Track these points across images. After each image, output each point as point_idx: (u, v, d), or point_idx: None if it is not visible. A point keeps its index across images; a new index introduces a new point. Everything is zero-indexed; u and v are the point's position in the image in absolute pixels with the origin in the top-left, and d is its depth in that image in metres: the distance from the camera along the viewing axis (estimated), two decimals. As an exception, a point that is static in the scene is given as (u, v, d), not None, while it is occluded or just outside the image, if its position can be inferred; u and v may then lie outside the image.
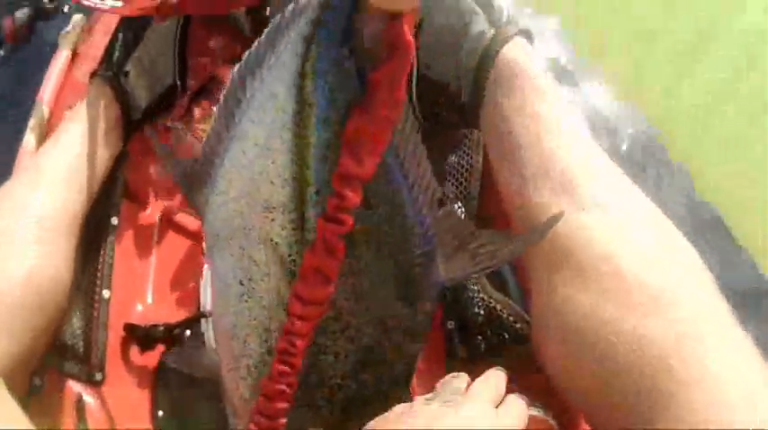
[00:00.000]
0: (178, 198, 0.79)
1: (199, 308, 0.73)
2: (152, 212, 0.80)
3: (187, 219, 0.79)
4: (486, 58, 0.66)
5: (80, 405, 0.75)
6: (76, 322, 0.77)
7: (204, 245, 0.58)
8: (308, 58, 0.48)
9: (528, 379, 0.58)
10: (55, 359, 0.75)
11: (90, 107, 0.76)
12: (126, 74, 0.77)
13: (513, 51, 0.66)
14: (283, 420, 0.50)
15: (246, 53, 0.50)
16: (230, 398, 0.56)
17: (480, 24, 0.68)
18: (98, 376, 0.76)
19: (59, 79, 0.91)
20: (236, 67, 0.50)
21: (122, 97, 0.77)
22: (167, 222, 0.79)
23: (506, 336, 0.67)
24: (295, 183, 0.48)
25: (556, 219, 0.55)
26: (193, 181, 0.54)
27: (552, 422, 0.57)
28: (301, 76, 0.48)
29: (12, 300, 0.65)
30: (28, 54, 1.13)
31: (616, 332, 0.50)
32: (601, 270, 0.54)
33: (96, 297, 0.78)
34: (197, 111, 0.80)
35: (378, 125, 0.46)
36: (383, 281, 0.51)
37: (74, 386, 0.76)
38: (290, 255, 0.49)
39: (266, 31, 0.49)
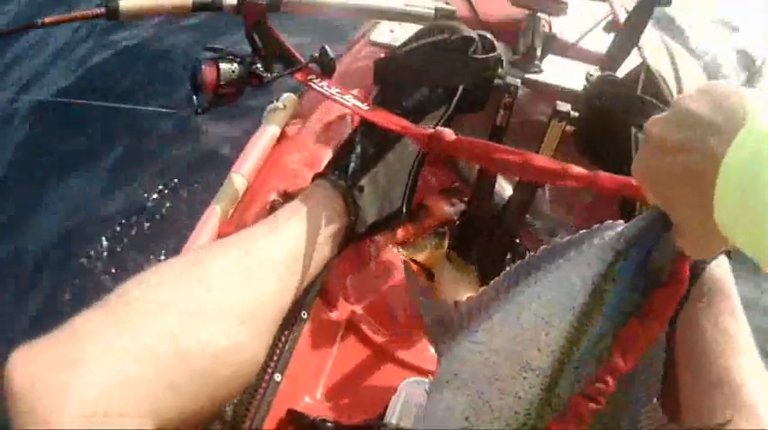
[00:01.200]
0: (364, 308, 0.83)
1: (379, 418, 0.76)
2: (340, 315, 0.83)
3: (370, 330, 0.83)
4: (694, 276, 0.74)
5: None
6: (238, 397, 0.80)
7: (435, 377, 0.59)
8: (613, 266, 0.55)
9: None
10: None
11: (317, 208, 0.77)
12: (361, 189, 0.79)
13: (719, 271, 0.74)
14: None
15: (552, 243, 0.57)
16: None
17: None
18: None
19: (262, 156, 0.93)
20: (542, 248, 0.56)
21: (354, 211, 0.78)
22: (352, 329, 0.83)
23: None
24: (561, 356, 0.54)
25: (722, 426, 0.62)
26: (442, 321, 0.59)
27: None
28: (603, 278, 0.54)
29: (201, 367, 0.64)
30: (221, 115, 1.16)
31: None
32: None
33: (267, 377, 0.80)
34: (399, 232, 0.84)
35: (647, 333, 0.53)
36: None
37: None
38: (528, 411, 0.54)
39: (578, 234, 0.56)
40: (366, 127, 0.82)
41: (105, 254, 1.76)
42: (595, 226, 0.55)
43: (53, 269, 1.77)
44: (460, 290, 0.80)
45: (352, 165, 0.80)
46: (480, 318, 0.57)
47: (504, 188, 0.88)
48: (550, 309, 0.54)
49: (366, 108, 0.81)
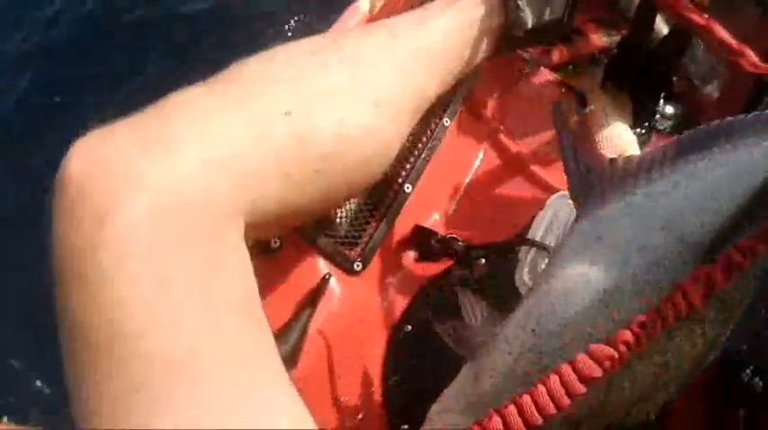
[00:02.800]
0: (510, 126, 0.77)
1: (518, 238, 0.70)
2: (484, 129, 0.76)
3: (515, 147, 0.76)
4: None
5: (322, 285, 0.71)
6: (358, 206, 0.74)
7: (567, 241, 0.54)
8: None
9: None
10: (308, 230, 0.71)
11: (471, 5, 0.71)
12: None
13: None
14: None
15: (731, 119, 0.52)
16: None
17: None
18: (357, 266, 0.72)
19: None
20: (716, 123, 0.52)
21: (513, 10, 0.73)
22: (496, 146, 0.76)
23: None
24: (720, 233, 0.50)
25: None
26: (591, 178, 0.54)
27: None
28: None
29: (320, 150, 0.55)
30: None
31: None
32: None
33: (396, 187, 0.74)
34: (555, 54, 0.79)
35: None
36: None
37: (321, 264, 0.72)
38: (672, 284, 0.48)
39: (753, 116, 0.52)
40: None
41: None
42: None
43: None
44: (613, 118, 0.74)
45: None
46: (640, 181, 0.52)
47: (662, 28, 0.83)
48: (722, 186, 0.51)
49: None
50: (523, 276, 0.68)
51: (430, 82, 0.69)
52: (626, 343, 0.44)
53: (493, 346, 0.51)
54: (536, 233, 0.69)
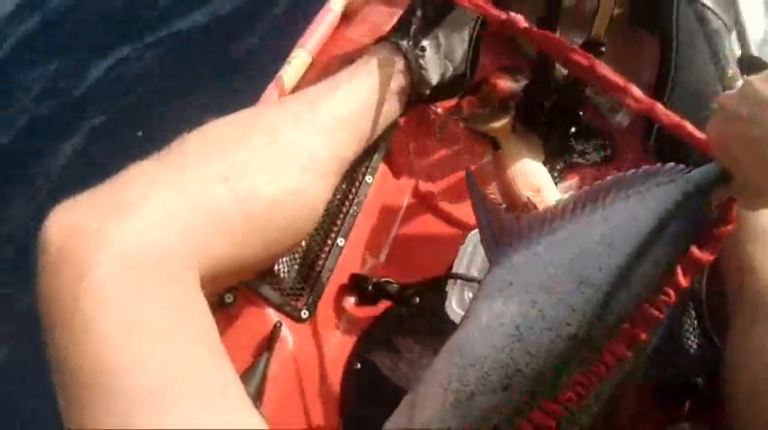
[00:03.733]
0: (429, 176, 0.84)
1: (445, 274, 0.77)
2: (406, 181, 0.84)
3: (436, 197, 0.83)
4: None
5: (275, 333, 0.78)
6: (299, 260, 0.81)
7: (483, 286, 0.60)
8: (679, 204, 0.58)
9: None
10: (256, 283, 0.78)
11: (379, 67, 0.78)
12: (423, 49, 0.79)
13: None
14: None
15: (619, 176, 0.59)
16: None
17: None
18: (304, 314, 0.79)
19: (326, 32, 0.94)
20: (610, 178, 0.59)
21: (416, 70, 0.79)
22: (417, 195, 0.83)
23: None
24: (620, 277, 0.56)
25: None
26: (501, 230, 0.60)
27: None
28: (668, 213, 0.57)
29: (257, 212, 0.63)
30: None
31: None
32: None
33: (330, 242, 0.82)
34: (465, 107, 0.85)
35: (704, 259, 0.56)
36: None
37: (272, 314, 0.79)
38: (580, 323, 0.55)
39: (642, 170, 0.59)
40: None
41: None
42: (658, 165, 0.59)
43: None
44: (525, 158, 0.81)
45: (413, 27, 0.80)
46: (543, 232, 0.59)
47: (562, 68, 0.89)
48: (616, 233, 0.58)
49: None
50: (453, 306, 0.76)
51: (348, 144, 0.76)
52: (569, 400, 0.55)
53: (426, 378, 0.58)
54: (460, 266, 0.77)
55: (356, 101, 0.76)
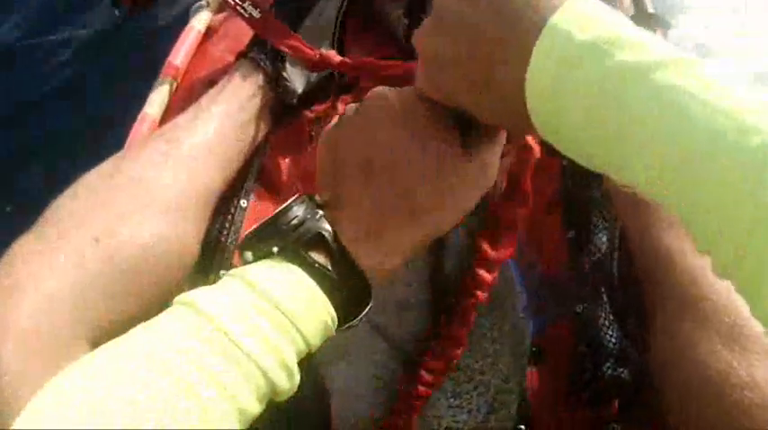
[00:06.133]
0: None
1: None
2: (284, 200, 0.78)
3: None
4: None
5: None
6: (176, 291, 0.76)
7: None
8: None
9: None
10: None
11: (238, 86, 0.75)
12: (282, 59, 0.76)
13: None
14: None
15: None
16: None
17: None
18: None
19: (189, 53, 0.90)
20: None
21: (278, 82, 0.76)
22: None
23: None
24: None
25: None
26: None
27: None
28: None
29: (128, 265, 0.61)
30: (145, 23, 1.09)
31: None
32: (724, 321, 0.55)
33: (213, 277, 0.76)
34: (340, 107, 0.79)
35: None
36: (499, 337, 0.59)
37: None
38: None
39: None
40: (281, 3, 0.79)
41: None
42: None
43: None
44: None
45: None
46: None
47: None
48: None
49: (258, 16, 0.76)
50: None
51: (213, 174, 0.73)
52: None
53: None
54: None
55: (216, 127, 0.74)
